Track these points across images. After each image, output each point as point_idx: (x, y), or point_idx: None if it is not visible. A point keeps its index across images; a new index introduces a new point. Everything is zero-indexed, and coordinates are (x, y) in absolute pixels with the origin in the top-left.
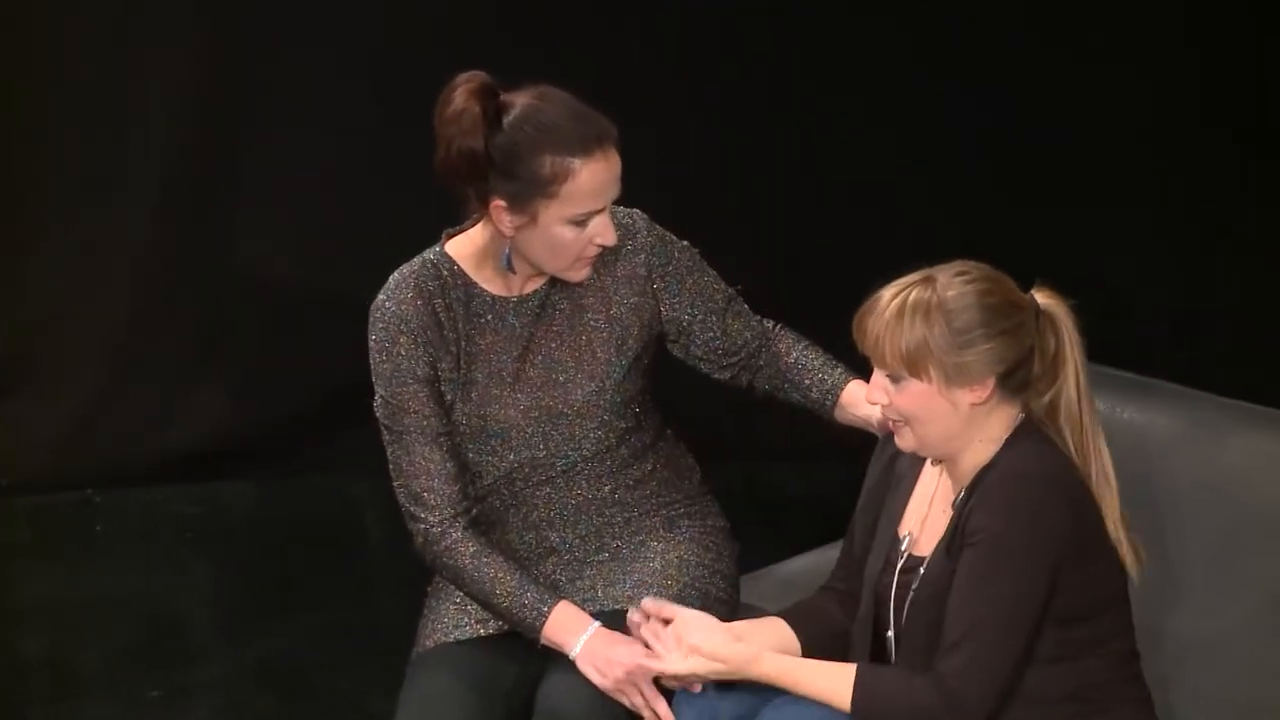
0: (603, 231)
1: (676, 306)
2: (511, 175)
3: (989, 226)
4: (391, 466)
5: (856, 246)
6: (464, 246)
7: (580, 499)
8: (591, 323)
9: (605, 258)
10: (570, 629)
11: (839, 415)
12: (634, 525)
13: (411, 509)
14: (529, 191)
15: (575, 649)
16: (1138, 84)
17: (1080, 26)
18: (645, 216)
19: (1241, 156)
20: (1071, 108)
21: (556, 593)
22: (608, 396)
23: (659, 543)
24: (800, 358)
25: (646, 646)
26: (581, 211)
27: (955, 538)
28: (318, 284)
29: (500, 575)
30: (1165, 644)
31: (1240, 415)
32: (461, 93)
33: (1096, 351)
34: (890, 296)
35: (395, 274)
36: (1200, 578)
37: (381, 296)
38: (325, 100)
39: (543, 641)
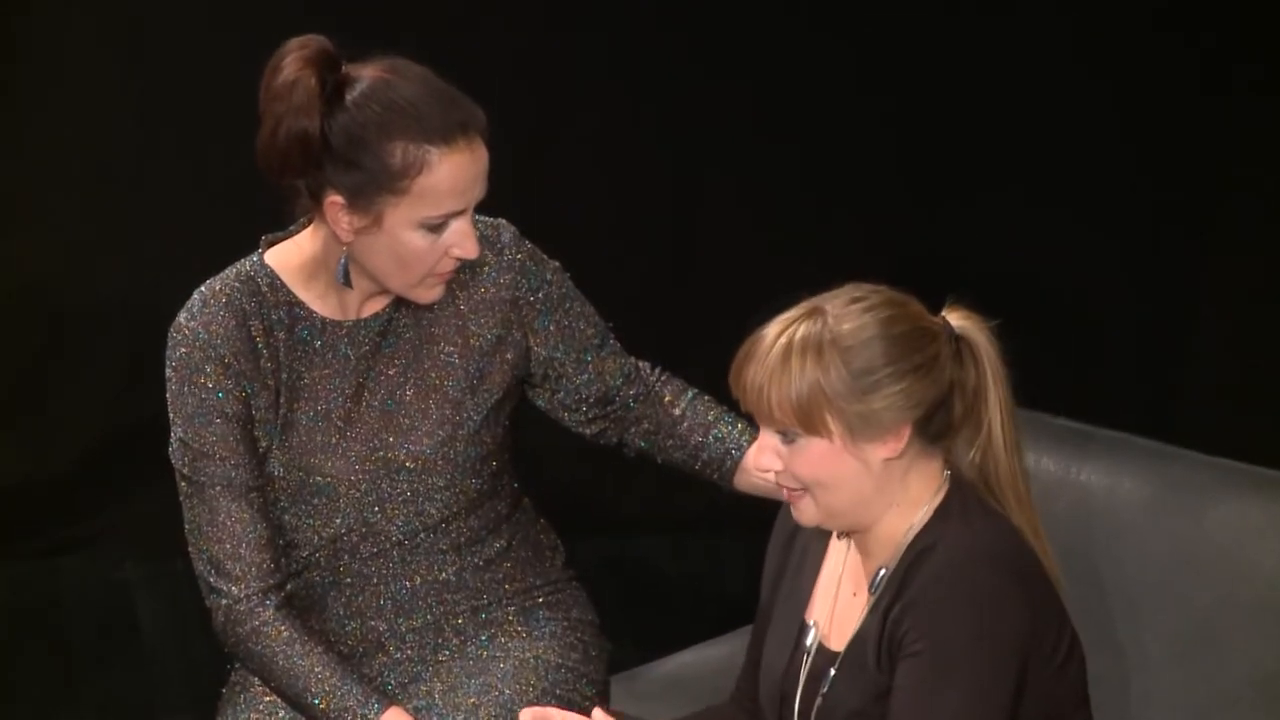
0: (462, 241)
1: (548, 343)
2: (353, 165)
3: (899, 230)
4: (188, 526)
5: (738, 265)
6: (289, 256)
7: (418, 581)
8: (444, 355)
9: (462, 277)
10: None
11: (740, 481)
12: (482, 617)
13: (212, 580)
14: (374, 186)
15: None
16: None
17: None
18: (513, 229)
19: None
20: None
21: (387, 697)
22: (459, 448)
23: (512, 639)
24: (690, 410)
25: None
26: (437, 213)
27: (884, 644)
28: (89, 304)
29: (318, 669)
30: None
31: (1223, 476)
32: (294, 60)
33: (1039, 393)
34: (774, 336)
35: (201, 289)
36: (1174, 677)
37: (183, 316)
38: (100, 68)
39: None
